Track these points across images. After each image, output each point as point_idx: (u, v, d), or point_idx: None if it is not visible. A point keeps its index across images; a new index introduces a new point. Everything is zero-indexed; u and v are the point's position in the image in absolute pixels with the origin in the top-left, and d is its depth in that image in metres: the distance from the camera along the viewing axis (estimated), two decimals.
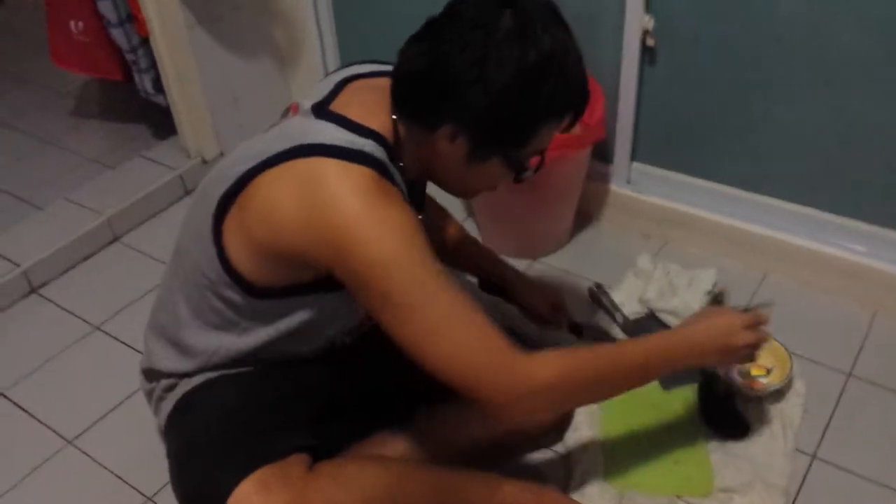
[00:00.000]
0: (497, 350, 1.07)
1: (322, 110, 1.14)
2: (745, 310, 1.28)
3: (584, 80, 1.12)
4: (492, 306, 1.62)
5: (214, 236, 1.14)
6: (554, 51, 1.06)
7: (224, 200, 1.13)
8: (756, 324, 1.25)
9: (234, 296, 1.16)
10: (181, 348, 1.25)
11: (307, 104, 1.16)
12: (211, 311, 1.20)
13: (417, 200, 1.30)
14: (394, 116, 1.14)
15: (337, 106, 1.15)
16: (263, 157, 1.10)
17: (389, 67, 1.17)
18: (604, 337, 1.66)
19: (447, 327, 1.05)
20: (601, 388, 1.18)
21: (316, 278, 1.14)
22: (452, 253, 1.58)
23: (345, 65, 1.28)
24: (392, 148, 1.14)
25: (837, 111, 1.64)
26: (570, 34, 1.10)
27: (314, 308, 1.19)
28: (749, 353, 1.26)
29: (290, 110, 1.20)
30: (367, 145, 1.10)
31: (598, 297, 1.77)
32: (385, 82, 1.16)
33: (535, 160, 1.19)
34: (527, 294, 1.58)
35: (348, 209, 1.03)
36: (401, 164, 1.16)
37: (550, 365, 1.09)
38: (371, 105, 1.14)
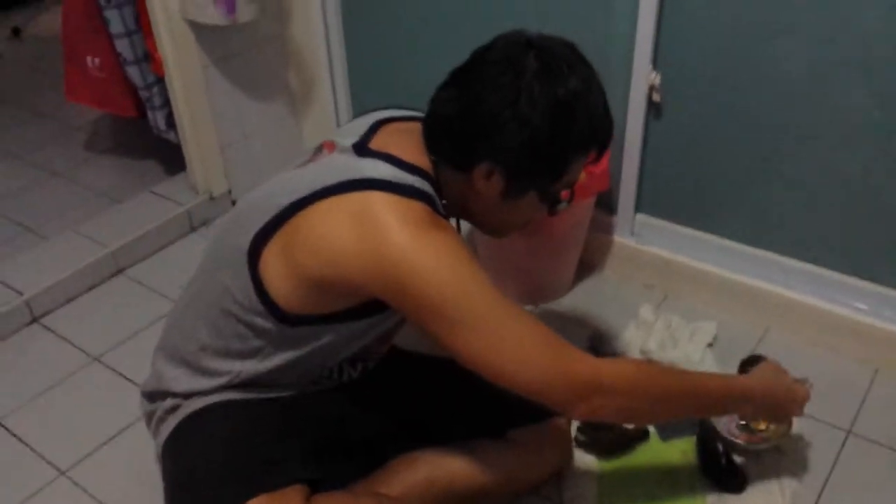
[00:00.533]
0: (567, 353, 1.13)
1: (364, 149, 1.17)
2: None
3: (608, 113, 1.18)
4: None
5: (250, 265, 1.16)
6: (580, 87, 1.11)
7: (265, 231, 1.15)
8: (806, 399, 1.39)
9: (265, 323, 1.18)
10: (200, 371, 1.25)
11: (346, 143, 1.19)
12: (235, 338, 1.21)
13: None
14: (432, 158, 1.18)
15: (375, 146, 1.18)
16: (310, 190, 1.13)
17: (421, 113, 1.21)
18: None
19: (514, 342, 1.11)
20: (668, 405, 1.23)
21: (354, 306, 1.16)
22: None
23: (374, 108, 1.32)
24: (437, 185, 1.18)
25: (842, 170, 1.66)
26: (592, 70, 1.15)
27: (339, 332, 1.21)
28: (788, 420, 1.38)
29: (324, 147, 1.22)
30: (416, 181, 1.14)
31: (597, 347, 1.77)
32: (418, 126, 1.20)
33: (565, 193, 1.23)
34: None
35: (404, 242, 1.07)
36: (444, 201, 1.20)
37: (623, 368, 1.18)
38: (409, 146, 1.18)
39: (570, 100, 1.10)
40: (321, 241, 1.10)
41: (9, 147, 2.73)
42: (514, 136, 1.10)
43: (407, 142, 1.18)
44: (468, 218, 1.27)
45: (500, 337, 1.10)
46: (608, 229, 2.02)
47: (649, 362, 1.26)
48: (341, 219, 1.09)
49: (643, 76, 1.77)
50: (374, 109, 1.30)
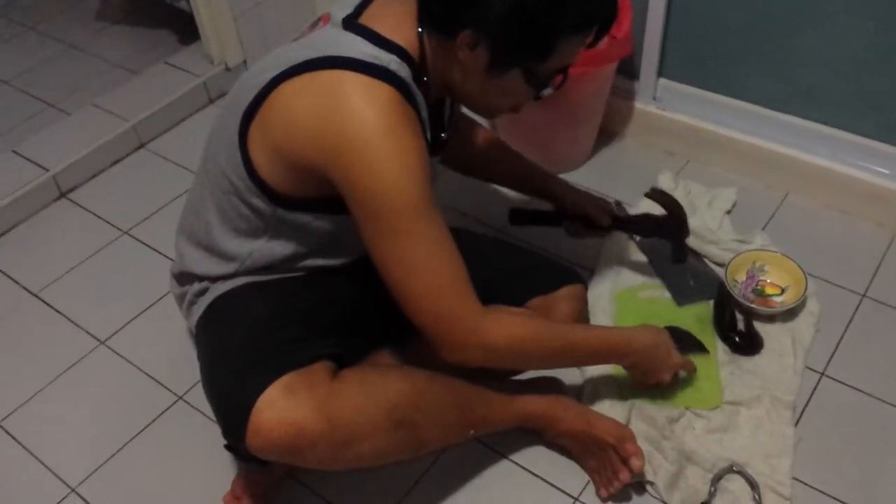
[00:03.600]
0: (464, 301, 1.12)
1: (351, 22, 1.14)
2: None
3: None
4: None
5: (240, 142, 1.16)
6: None
7: (250, 107, 1.14)
8: (681, 368, 1.42)
9: (260, 203, 1.18)
10: (215, 252, 1.27)
11: (339, 15, 1.15)
12: (239, 218, 1.23)
13: (440, 119, 1.31)
14: (419, 29, 1.14)
15: (366, 18, 1.14)
16: (288, 65, 1.11)
17: None
18: (653, 226, 1.63)
19: (424, 267, 1.10)
20: (543, 362, 1.33)
21: (335, 196, 1.15)
22: (488, 166, 1.60)
23: None
24: (416, 64, 1.14)
25: (868, 33, 1.61)
26: None
27: (337, 224, 1.21)
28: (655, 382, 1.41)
29: (321, 21, 1.20)
30: (392, 62, 1.10)
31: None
32: None
33: (558, 78, 1.19)
34: (580, 203, 1.58)
35: (363, 124, 1.05)
36: (425, 79, 1.16)
37: (507, 329, 1.16)
38: (399, 18, 1.14)
39: None
40: (288, 117, 1.09)
41: (22, 19, 2.70)
42: (499, 4, 1.05)
43: (399, 12, 1.14)
44: (453, 95, 1.24)
45: (416, 261, 1.09)
46: (629, 95, 1.99)
47: (537, 319, 1.32)
48: (308, 96, 1.08)
49: None
50: None
